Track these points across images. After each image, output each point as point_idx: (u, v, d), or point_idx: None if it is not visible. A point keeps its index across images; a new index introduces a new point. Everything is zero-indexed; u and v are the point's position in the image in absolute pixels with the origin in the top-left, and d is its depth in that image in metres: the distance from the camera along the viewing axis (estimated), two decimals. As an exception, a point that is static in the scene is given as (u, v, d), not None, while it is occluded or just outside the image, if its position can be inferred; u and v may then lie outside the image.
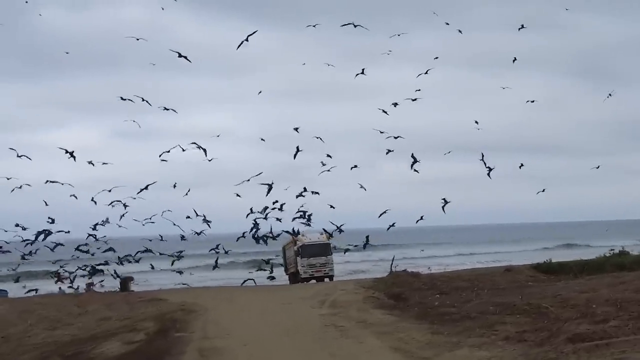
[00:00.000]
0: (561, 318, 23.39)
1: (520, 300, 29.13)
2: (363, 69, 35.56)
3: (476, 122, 40.65)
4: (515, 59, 40.97)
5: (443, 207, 38.14)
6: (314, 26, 37.31)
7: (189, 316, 27.73)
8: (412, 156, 35.40)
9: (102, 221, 41.09)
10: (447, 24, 44.30)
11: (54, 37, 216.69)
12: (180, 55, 32.82)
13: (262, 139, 39.16)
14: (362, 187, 40.51)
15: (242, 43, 33.57)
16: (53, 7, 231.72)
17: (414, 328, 22.70)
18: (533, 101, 40.29)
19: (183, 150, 37.05)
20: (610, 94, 36.32)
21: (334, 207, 39.33)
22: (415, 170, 36.11)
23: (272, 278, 47.19)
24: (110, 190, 40.65)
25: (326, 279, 48.57)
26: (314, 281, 48.29)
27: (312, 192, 38.33)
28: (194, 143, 36.46)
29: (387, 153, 36.60)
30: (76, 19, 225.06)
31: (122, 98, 36.66)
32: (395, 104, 36.36)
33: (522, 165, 39.66)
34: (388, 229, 39.49)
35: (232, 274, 69.81)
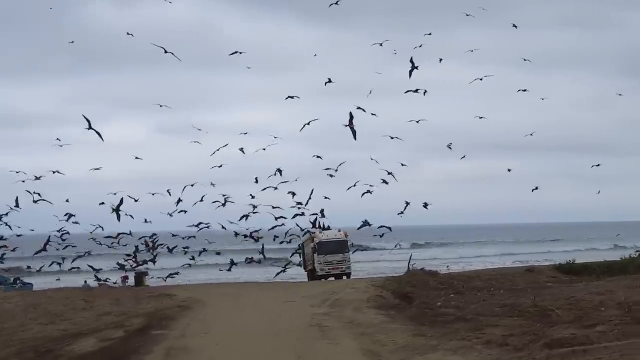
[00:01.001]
0: (558, 322, 22.60)
1: (532, 301, 28.31)
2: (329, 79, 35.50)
3: (480, 117, 39.51)
4: (525, 59, 39.20)
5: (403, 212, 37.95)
6: (336, 3, 36.89)
7: (181, 313, 27.31)
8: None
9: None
10: (468, 14, 42.61)
11: (102, 34, 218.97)
12: (166, 51, 32.59)
13: (274, 137, 38.66)
14: (384, 181, 40.24)
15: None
16: (101, 3, 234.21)
17: (400, 329, 21.94)
18: (525, 90, 38.22)
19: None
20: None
21: (328, 198, 39.08)
22: (403, 165, 36.06)
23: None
24: (192, 185, 41.54)
25: (344, 277, 47.75)
26: (332, 278, 47.53)
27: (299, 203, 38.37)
28: (329, 79, 36.56)
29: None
30: (124, 15, 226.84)
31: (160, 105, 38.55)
32: (359, 108, 36.01)
33: (509, 169, 38.80)
34: (359, 228, 39.04)
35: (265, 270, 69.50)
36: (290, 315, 25.64)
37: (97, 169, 42.39)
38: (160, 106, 39.39)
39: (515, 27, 39.77)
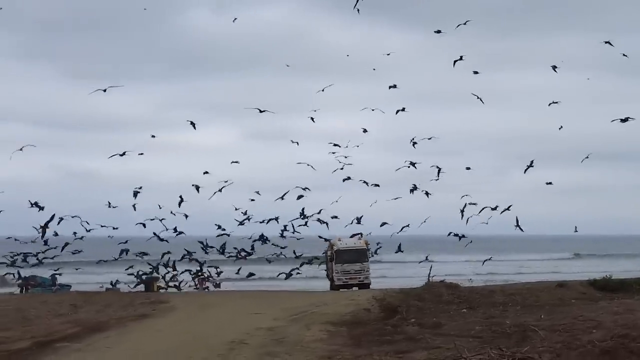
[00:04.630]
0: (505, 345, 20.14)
1: (540, 319, 25.81)
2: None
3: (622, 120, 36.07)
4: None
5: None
6: (465, 23, 35.07)
7: (127, 322, 25.98)
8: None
9: None
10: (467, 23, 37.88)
11: (197, 40, 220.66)
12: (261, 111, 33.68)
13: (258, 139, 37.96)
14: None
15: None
16: (199, 10, 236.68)
17: (318, 349, 19.88)
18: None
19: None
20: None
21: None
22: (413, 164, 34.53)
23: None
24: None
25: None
26: (356, 288, 44.88)
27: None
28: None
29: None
30: (219, 21, 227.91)
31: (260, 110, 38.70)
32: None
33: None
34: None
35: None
36: (232, 329, 23.65)
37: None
38: (261, 111, 38.96)
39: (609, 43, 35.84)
